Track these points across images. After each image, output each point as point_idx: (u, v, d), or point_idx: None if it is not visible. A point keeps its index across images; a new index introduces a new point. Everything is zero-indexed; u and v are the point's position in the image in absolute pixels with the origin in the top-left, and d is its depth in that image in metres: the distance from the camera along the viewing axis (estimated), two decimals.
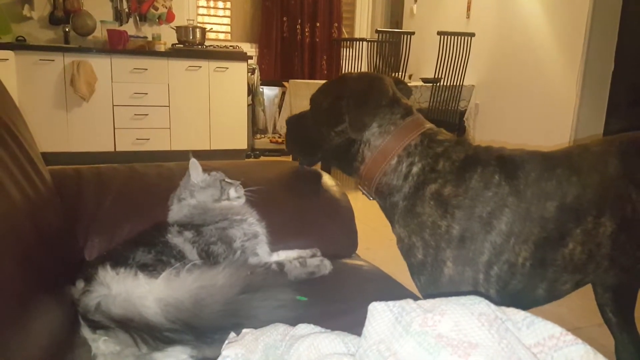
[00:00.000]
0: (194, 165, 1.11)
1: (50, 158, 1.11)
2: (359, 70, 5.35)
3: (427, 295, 1.07)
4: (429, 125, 1.16)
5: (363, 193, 1.20)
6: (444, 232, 1.05)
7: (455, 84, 4.43)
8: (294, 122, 1.29)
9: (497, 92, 4.50)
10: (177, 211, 1.09)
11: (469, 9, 4.85)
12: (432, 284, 1.07)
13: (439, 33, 4.26)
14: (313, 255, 1.15)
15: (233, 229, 1.05)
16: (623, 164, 1.06)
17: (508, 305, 1.05)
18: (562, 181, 1.05)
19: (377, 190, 1.15)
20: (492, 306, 0.57)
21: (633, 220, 1.03)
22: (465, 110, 4.74)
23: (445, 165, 1.09)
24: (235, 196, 1.12)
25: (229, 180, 1.13)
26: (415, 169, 1.10)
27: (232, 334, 0.73)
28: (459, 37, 4.31)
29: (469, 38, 4.33)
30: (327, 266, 1.12)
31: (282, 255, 1.13)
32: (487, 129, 4.58)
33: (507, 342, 0.52)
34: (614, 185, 1.04)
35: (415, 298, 0.61)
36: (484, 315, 0.54)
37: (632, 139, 1.12)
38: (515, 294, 1.06)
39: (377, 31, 4.33)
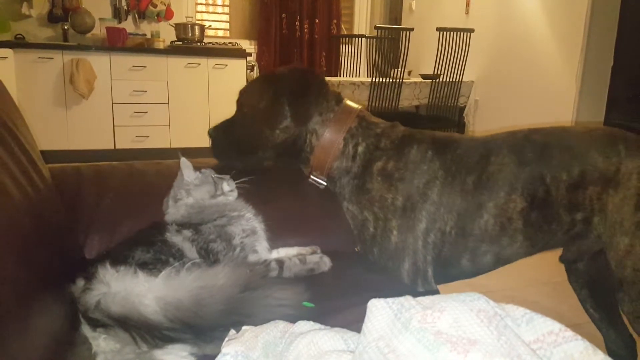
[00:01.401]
0: (185, 164, 1.11)
1: (50, 156, 1.11)
2: (358, 66, 5.35)
3: (380, 265, 1.19)
4: (359, 107, 1.25)
5: (314, 182, 1.26)
6: (390, 204, 1.15)
7: (454, 80, 4.43)
8: (220, 131, 1.30)
9: (496, 88, 4.50)
10: (174, 213, 1.09)
11: (468, 4, 4.85)
12: (383, 254, 1.17)
13: (438, 29, 4.26)
14: (313, 252, 1.15)
15: (231, 226, 1.05)
16: (541, 151, 1.16)
17: (439, 275, 1.17)
18: (481, 159, 1.16)
19: (329, 175, 1.23)
20: (492, 303, 0.57)
21: (545, 201, 1.13)
22: (465, 106, 4.74)
23: (386, 143, 1.20)
24: (229, 190, 1.12)
25: (219, 175, 1.13)
26: (360, 149, 1.20)
27: (232, 331, 0.73)
28: (458, 33, 4.31)
29: (468, 34, 4.33)
30: (326, 263, 1.12)
31: (282, 253, 1.13)
32: (486, 125, 4.58)
33: (506, 338, 0.52)
34: (529, 168, 1.14)
35: (415, 295, 0.61)
36: (483, 312, 0.54)
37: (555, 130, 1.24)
38: (445, 263, 1.17)
39: (376, 27, 4.32)
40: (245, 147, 1.26)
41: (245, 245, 1.05)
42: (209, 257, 1.00)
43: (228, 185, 1.12)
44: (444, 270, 1.19)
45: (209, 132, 1.32)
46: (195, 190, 1.09)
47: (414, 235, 1.15)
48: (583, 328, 0.95)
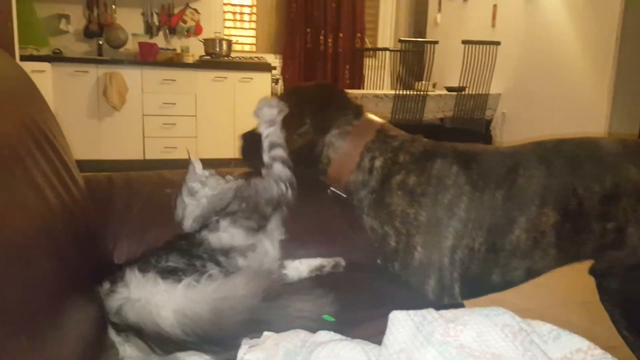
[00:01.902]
0: (195, 160, 1.13)
1: (83, 165, 1.14)
2: (382, 79, 5.36)
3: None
4: (381, 122, 1.25)
5: (334, 192, 1.27)
6: (412, 219, 1.12)
7: (480, 92, 4.39)
8: (250, 136, 1.32)
9: (524, 100, 4.45)
10: (195, 205, 1.08)
11: (494, 17, 4.82)
12: (405, 269, 1.14)
13: (464, 42, 4.24)
14: (336, 265, 1.15)
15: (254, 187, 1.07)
16: (572, 162, 1.13)
17: (467, 290, 1.15)
18: (509, 172, 1.13)
19: (346, 188, 1.23)
20: (517, 318, 0.56)
21: (577, 213, 1.10)
22: (492, 119, 4.69)
23: (405, 157, 1.17)
24: (232, 179, 1.14)
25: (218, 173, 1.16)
26: (378, 163, 1.18)
27: (247, 339, 0.74)
28: (484, 46, 4.28)
29: (495, 47, 4.30)
30: (341, 264, 1.15)
31: (304, 263, 1.13)
32: (514, 138, 4.52)
33: (531, 354, 0.51)
34: (560, 180, 1.11)
35: (437, 308, 0.61)
36: (507, 327, 0.54)
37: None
38: (473, 279, 1.14)
39: (400, 41, 4.33)
40: (251, 151, 1.27)
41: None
42: (261, 218, 1.02)
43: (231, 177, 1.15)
44: (472, 285, 1.17)
45: (240, 137, 1.36)
46: (209, 180, 1.10)
47: (440, 252, 1.11)
48: (619, 350, 0.92)
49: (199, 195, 1.09)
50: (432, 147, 1.20)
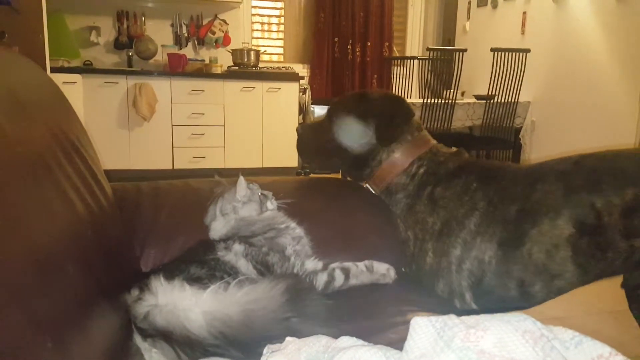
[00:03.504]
0: (242, 183, 1.13)
1: (113, 175, 1.17)
2: (410, 87, 5.34)
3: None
4: (434, 141, 1.38)
5: (368, 188, 1.41)
6: (429, 227, 1.23)
7: (510, 100, 4.33)
8: (307, 130, 1.46)
9: (554, 108, 4.37)
10: (223, 224, 1.10)
11: (523, 25, 4.76)
12: (419, 271, 1.24)
13: (493, 50, 4.20)
14: (368, 268, 1.15)
15: (281, 237, 1.06)
16: (591, 175, 1.14)
17: (487, 301, 1.19)
18: (525, 188, 1.18)
19: (387, 189, 1.34)
20: (538, 324, 0.56)
21: (597, 227, 1.08)
22: (521, 127, 4.62)
23: (441, 170, 1.28)
24: (272, 208, 1.14)
25: (264, 192, 1.16)
26: (421, 171, 1.31)
27: (269, 345, 0.74)
28: (514, 54, 4.23)
29: (524, 54, 4.24)
30: (392, 275, 1.15)
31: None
32: (544, 147, 4.44)
33: None
34: (577, 194, 1.11)
35: (459, 314, 0.60)
36: (528, 333, 0.53)
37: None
38: (491, 293, 1.17)
39: (428, 49, 4.31)
40: (326, 151, 1.40)
41: (299, 252, 1.06)
42: (267, 270, 1.00)
43: (271, 204, 1.15)
44: (489, 296, 1.18)
45: (297, 128, 1.47)
46: (242, 208, 1.11)
47: (448, 260, 1.19)
48: None
49: (228, 217, 1.10)
50: (465, 163, 1.29)
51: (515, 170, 1.25)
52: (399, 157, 1.32)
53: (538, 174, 1.20)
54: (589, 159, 1.18)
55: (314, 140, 1.44)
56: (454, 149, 1.38)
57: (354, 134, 1.33)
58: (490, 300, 1.19)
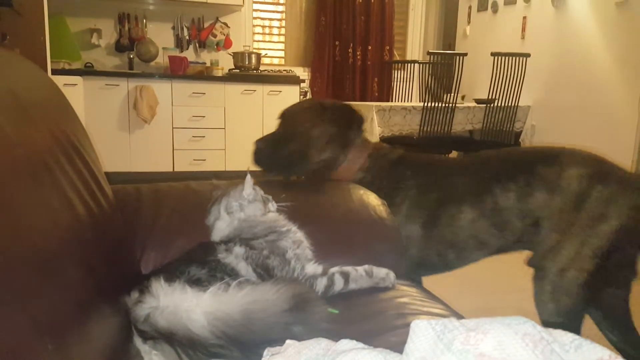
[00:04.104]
0: (249, 181, 1.13)
1: (113, 177, 1.17)
2: (410, 91, 5.35)
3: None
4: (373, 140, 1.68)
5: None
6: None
7: (510, 104, 4.34)
8: (266, 143, 1.57)
9: (554, 112, 4.37)
10: (227, 224, 1.09)
11: (523, 29, 4.77)
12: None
13: (493, 54, 4.21)
14: (367, 272, 1.15)
15: (282, 241, 1.06)
16: (494, 167, 1.43)
17: (420, 272, 1.53)
18: (443, 179, 1.46)
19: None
20: (538, 327, 0.56)
21: (495, 210, 1.38)
22: (521, 131, 4.63)
23: (385, 164, 1.52)
24: (273, 210, 1.14)
25: (265, 195, 1.16)
26: (372, 166, 1.52)
27: (269, 348, 0.74)
28: (514, 58, 4.24)
29: (524, 58, 4.25)
30: (391, 279, 1.14)
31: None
32: None
33: None
34: (481, 183, 1.40)
35: (459, 317, 0.60)
36: (528, 336, 0.53)
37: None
38: (423, 259, 1.46)
39: (428, 53, 4.32)
40: (289, 160, 1.53)
41: (300, 256, 1.06)
42: (267, 273, 1.00)
43: (272, 206, 1.15)
44: (418, 265, 1.48)
45: (256, 142, 1.57)
46: (248, 207, 1.10)
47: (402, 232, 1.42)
48: None
49: (233, 216, 1.10)
50: (402, 157, 1.54)
51: (440, 163, 1.54)
52: (355, 158, 1.53)
53: (454, 167, 1.50)
54: (494, 155, 1.49)
55: (275, 151, 1.54)
56: (389, 145, 1.64)
57: (319, 142, 1.49)
58: (420, 267, 1.48)
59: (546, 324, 1.35)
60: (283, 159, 1.53)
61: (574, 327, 1.34)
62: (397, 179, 1.48)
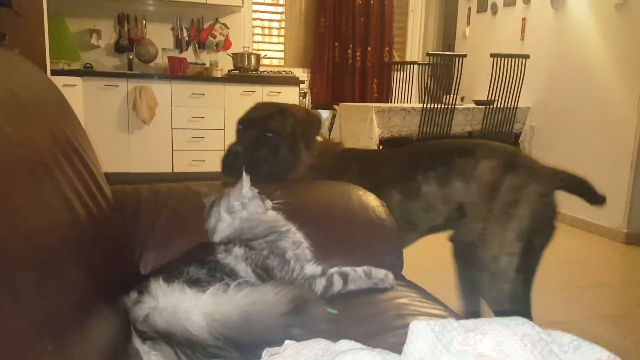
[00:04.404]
0: (246, 179, 1.13)
1: (113, 178, 1.17)
2: (409, 92, 5.36)
3: None
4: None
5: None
6: None
7: (509, 106, 4.35)
8: (239, 147, 1.63)
9: (554, 114, 4.38)
10: (228, 224, 1.08)
11: (523, 31, 4.77)
12: None
13: (492, 55, 4.21)
14: (366, 273, 1.15)
15: (282, 241, 1.06)
16: (419, 157, 1.62)
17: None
18: (378, 167, 1.65)
19: (312, 175, 1.63)
20: (537, 328, 0.56)
21: (419, 194, 1.54)
22: (521, 132, 4.63)
23: (330, 156, 1.67)
24: (269, 207, 1.14)
25: (260, 195, 1.16)
26: (328, 158, 1.66)
27: (268, 349, 0.74)
28: (513, 59, 4.24)
29: (524, 60, 4.25)
30: (390, 280, 1.14)
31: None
32: (543, 151, 4.44)
33: None
34: (406, 170, 1.58)
35: (458, 318, 0.61)
36: (527, 336, 0.53)
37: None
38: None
39: (428, 54, 4.32)
40: (257, 162, 1.58)
41: (299, 257, 1.06)
42: (266, 274, 1.00)
43: (268, 203, 1.15)
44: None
45: (229, 149, 1.64)
46: (249, 204, 1.10)
47: None
48: None
49: (235, 216, 1.09)
50: (346, 150, 1.73)
51: (376, 155, 1.77)
52: (316, 153, 1.64)
53: (388, 158, 1.69)
54: (421, 147, 1.70)
55: (244, 157, 1.59)
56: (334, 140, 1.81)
57: (287, 145, 1.57)
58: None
59: (497, 313, 1.47)
60: (253, 164, 1.54)
61: (524, 310, 1.45)
62: (341, 169, 1.64)
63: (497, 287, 1.44)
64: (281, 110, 1.63)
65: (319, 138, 1.71)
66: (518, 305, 1.45)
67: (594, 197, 1.53)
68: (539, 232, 1.44)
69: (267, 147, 1.57)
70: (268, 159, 1.57)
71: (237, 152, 1.58)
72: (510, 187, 1.44)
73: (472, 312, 1.73)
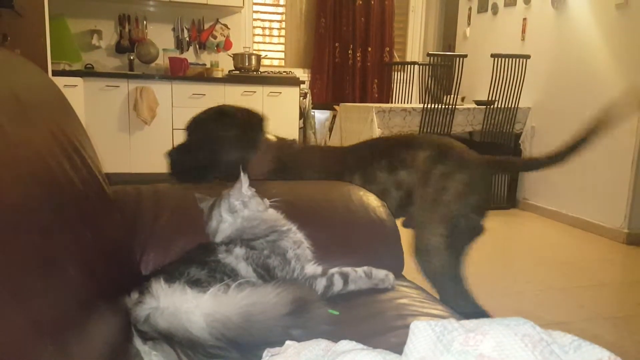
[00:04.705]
0: (245, 178, 1.13)
1: (113, 178, 1.17)
2: (410, 93, 5.36)
3: None
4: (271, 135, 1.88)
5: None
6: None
7: (510, 106, 4.34)
8: (180, 153, 1.74)
9: (554, 114, 4.37)
10: (231, 224, 1.08)
11: (523, 31, 4.77)
12: None
13: (493, 55, 4.21)
14: (367, 273, 1.15)
15: (283, 241, 1.06)
16: (375, 148, 1.79)
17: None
18: (337, 159, 1.79)
19: (267, 174, 1.73)
20: (538, 328, 0.56)
21: (375, 181, 1.70)
22: (521, 133, 4.63)
23: (292, 152, 1.81)
24: (267, 205, 1.15)
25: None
26: (278, 154, 1.78)
27: (269, 349, 0.74)
28: (514, 59, 4.24)
29: (524, 60, 4.25)
30: (390, 280, 1.14)
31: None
32: (544, 152, 4.43)
33: None
34: (363, 158, 1.75)
35: (459, 318, 0.61)
36: (527, 337, 0.53)
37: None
38: None
39: (428, 54, 4.32)
40: (203, 167, 1.68)
41: (300, 256, 1.06)
42: (267, 274, 1.00)
43: (266, 202, 1.15)
44: None
45: (169, 153, 1.72)
46: (250, 202, 1.10)
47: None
48: None
49: (237, 215, 1.09)
50: (306, 146, 1.86)
51: (335, 149, 1.91)
52: (264, 152, 1.74)
53: (347, 151, 1.81)
54: (375, 141, 1.90)
55: (191, 160, 1.70)
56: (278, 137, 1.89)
57: (225, 146, 1.67)
58: None
59: (432, 282, 1.63)
60: (197, 166, 1.68)
61: (457, 283, 1.63)
62: (304, 163, 1.76)
63: (431, 263, 1.61)
64: (221, 112, 1.77)
65: (271, 137, 1.81)
66: (450, 280, 1.62)
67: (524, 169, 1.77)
68: (465, 216, 1.62)
69: (201, 150, 1.67)
70: (203, 163, 1.67)
71: (175, 156, 1.71)
72: (439, 175, 1.62)
73: (476, 313, 1.75)
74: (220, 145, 1.69)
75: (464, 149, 1.72)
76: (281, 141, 1.84)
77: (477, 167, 1.66)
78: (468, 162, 1.66)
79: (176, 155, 1.73)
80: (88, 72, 4.78)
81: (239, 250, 1.02)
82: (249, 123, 1.76)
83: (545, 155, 1.90)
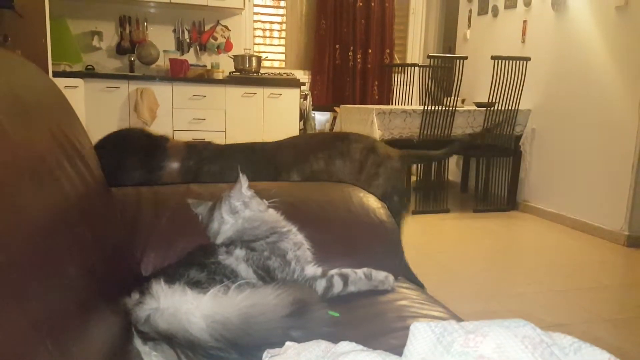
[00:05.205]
0: (244, 179, 1.13)
1: None
2: (410, 95, 5.37)
3: None
4: (178, 140, 1.97)
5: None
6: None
7: (510, 108, 4.35)
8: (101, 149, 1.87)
9: (554, 116, 4.37)
10: (232, 224, 1.08)
11: (524, 33, 4.77)
12: None
13: (493, 57, 4.21)
14: (366, 275, 1.15)
15: (283, 242, 1.06)
16: (311, 142, 1.98)
17: None
18: (271, 155, 1.94)
19: (180, 179, 1.82)
20: (538, 330, 0.56)
21: (312, 171, 1.88)
22: (521, 134, 4.63)
23: (207, 154, 1.90)
24: (267, 205, 1.15)
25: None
26: (191, 160, 1.87)
27: (269, 350, 0.74)
28: (514, 62, 4.24)
29: (525, 62, 4.25)
30: (390, 282, 1.14)
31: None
32: (544, 154, 4.44)
33: None
34: (302, 155, 1.90)
35: (459, 320, 0.60)
36: (527, 338, 0.53)
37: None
38: None
39: (429, 56, 4.33)
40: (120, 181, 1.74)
41: (300, 258, 1.06)
42: (267, 275, 1.00)
43: (265, 202, 1.15)
44: None
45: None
46: (251, 202, 1.10)
47: None
48: None
49: (238, 216, 1.09)
50: (225, 145, 1.96)
51: (264, 144, 2.03)
52: (173, 161, 1.84)
53: (280, 146, 1.95)
54: (310, 136, 2.34)
55: (112, 156, 1.76)
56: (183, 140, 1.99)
57: (127, 163, 1.81)
58: None
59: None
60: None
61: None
62: (228, 162, 1.89)
63: None
64: (121, 137, 1.91)
65: (179, 144, 1.91)
66: None
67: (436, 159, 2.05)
68: (393, 195, 1.96)
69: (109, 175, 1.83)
70: (117, 175, 1.74)
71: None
72: (372, 163, 1.93)
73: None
74: (121, 172, 1.80)
75: (384, 143, 2.07)
76: (190, 147, 1.92)
77: (399, 157, 2.02)
78: (392, 152, 2.01)
79: (102, 150, 1.91)
80: (89, 73, 4.78)
81: (239, 252, 1.02)
82: (144, 142, 1.88)
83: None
